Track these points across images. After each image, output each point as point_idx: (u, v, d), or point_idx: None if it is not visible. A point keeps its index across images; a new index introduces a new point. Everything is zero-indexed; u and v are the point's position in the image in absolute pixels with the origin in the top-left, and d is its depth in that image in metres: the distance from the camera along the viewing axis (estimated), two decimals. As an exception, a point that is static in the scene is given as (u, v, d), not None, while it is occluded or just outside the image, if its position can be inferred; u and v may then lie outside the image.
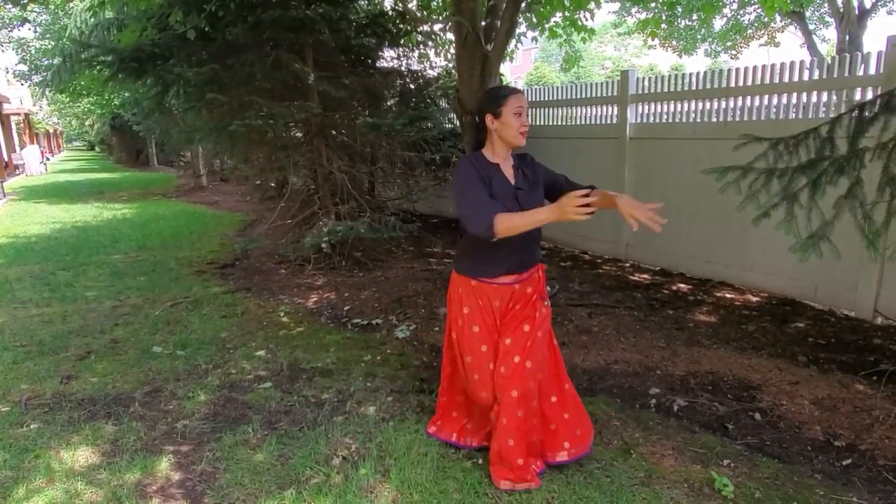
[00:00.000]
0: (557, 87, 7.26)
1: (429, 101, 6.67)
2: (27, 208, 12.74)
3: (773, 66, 4.98)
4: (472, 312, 2.53)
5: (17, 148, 27.78)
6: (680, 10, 11.59)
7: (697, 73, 5.63)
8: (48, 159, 30.88)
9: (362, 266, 6.32)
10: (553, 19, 7.41)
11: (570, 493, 2.44)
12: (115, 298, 5.51)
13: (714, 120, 5.45)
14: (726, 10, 19.67)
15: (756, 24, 20.64)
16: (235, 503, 2.44)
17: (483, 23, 4.87)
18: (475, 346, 2.53)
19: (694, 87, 5.62)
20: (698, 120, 5.62)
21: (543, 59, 56.58)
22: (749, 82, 5.15)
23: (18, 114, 30.32)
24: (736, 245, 5.26)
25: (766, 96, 5.05)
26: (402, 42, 6.55)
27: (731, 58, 22.79)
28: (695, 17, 18.53)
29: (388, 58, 7.50)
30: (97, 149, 40.64)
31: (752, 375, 3.52)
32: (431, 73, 7.26)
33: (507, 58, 8.50)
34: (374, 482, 2.54)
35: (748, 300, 4.96)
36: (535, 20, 7.09)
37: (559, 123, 7.21)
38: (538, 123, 7.51)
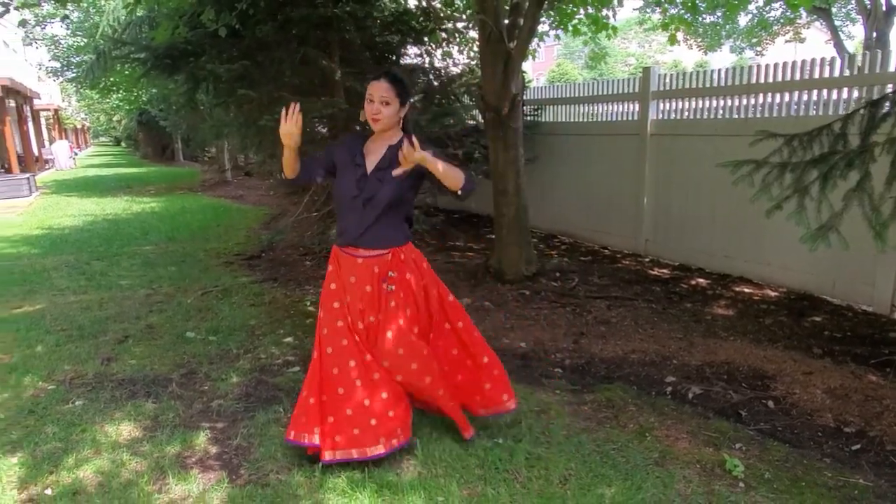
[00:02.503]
0: (578, 84, 7.33)
1: (452, 97, 6.78)
2: (59, 201, 13.11)
3: (794, 62, 5.01)
4: (329, 275, 2.73)
5: (47, 143, 28.44)
6: (703, 5, 11.53)
7: (719, 70, 5.68)
8: (77, 154, 31.54)
9: (385, 258, 6.46)
10: (577, 16, 7.49)
11: (586, 470, 2.56)
12: (148, 287, 5.72)
13: (735, 116, 5.50)
14: (752, 7, 19.50)
15: (782, 21, 20.42)
16: (269, 474, 2.60)
17: (506, 21, 4.99)
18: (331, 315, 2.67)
19: (716, 84, 5.67)
20: (719, 116, 5.67)
21: (566, 56, 56.35)
22: (771, 79, 5.18)
23: (48, 109, 31.00)
24: (754, 241, 5.31)
25: (790, 93, 5.08)
26: (425, 39, 6.66)
27: (757, 54, 22.60)
28: (719, 13, 18.42)
29: (413, 55, 7.63)
30: (123, 144, 41.36)
31: (766, 366, 3.60)
32: (455, 69, 7.38)
33: (530, 55, 8.61)
34: (400, 457, 2.68)
35: (766, 295, 5.01)
36: (558, 18, 7.19)
37: (579, 120, 7.28)
38: (558, 120, 7.60)
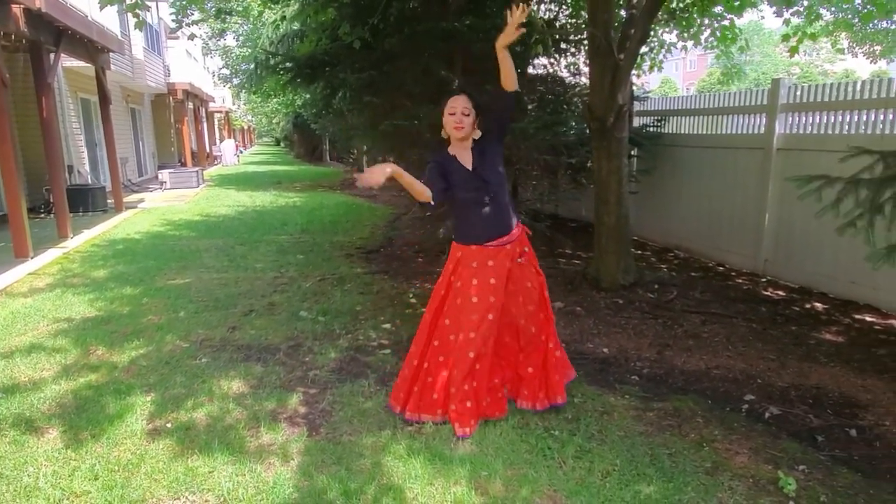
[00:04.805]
0: (702, 96, 7.13)
1: (565, 106, 6.89)
2: (219, 193, 14.75)
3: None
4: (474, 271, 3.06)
5: (217, 141, 31.80)
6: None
7: (856, 82, 5.32)
8: (241, 152, 34.96)
9: (492, 260, 6.71)
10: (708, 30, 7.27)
11: (630, 468, 2.64)
12: (276, 271, 6.42)
13: (869, 132, 5.12)
14: (936, 11, 17.35)
15: (974, 26, 18.00)
16: (343, 435, 2.95)
17: (619, 34, 5.06)
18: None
19: (851, 97, 5.32)
20: (853, 132, 5.31)
21: (719, 66, 53.24)
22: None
23: (220, 111, 34.71)
24: (886, 266, 4.90)
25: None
26: (544, 52, 6.82)
27: (942, 64, 20.11)
28: (896, 18, 16.60)
29: (539, 65, 7.81)
30: (282, 144, 45.06)
31: (861, 395, 3.40)
32: (573, 79, 7.47)
33: (657, 67, 8.48)
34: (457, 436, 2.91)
35: (890, 326, 4.64)
36: (687, 31, 7.04)
37: (702, 132, 7.07)
38: (681, 131, 7.41)
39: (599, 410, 3.21)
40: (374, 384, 3.55)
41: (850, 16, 14.78)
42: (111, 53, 11.57)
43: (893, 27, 17.80)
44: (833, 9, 11.52)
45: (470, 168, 2.98)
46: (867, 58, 19.65)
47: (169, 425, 3.05)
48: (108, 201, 11.62)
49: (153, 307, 5.12)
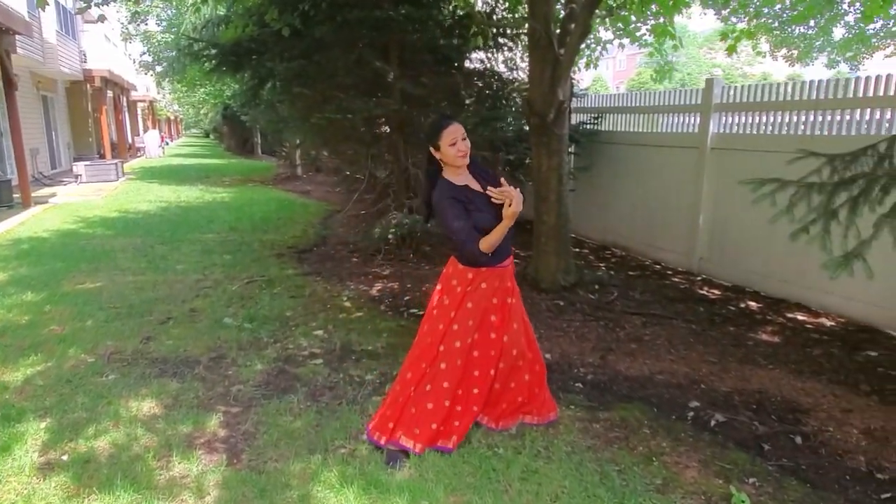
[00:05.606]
0: (639, 94, 7.13)
1: (503, 102, 6.74)
2: (141, 187, 13.91)
3: (867, 79, 4.69)
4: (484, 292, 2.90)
5: (141, 132, 30.21)
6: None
7: (786, 84, 5.39)
8: (167, 144, 33.33)
9: (430, 260, 6.50)
10: (642, 26, 7.29)
11: (580, 489, 2.48)
12: (200, 273, 5.98)
13: (798, 133, 5.19)
14: (849, 19, 18.32)
15: (882, 35, 19.10)
16: (268, 461, 2.67)
17: (558, 29, 4.92)
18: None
19: (782, 98, 5.38)
20: (783, 132, 5.38)
21: (648, 65, 54.86)
22: (841, 95, 4.87)
23: (144, 101, 33.00)
24: (816, 266, 4.98)
25: (861, 110, 4.75)
26: (483, 44, 6.65)
27: (852, 69, 21.23)
28: (812, 23, 17.40)
29: (476, 59, 7.63)
30: (211, 136, 43.27)
31: (802, 399, 3.38)
32: (511, 74, 7.33)
33: (593, 65, 8.45)
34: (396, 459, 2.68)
35: (821, 324, 4.71)
36: (621, 27, 7.02)
37: (638, 130, 7.07)
38: (617, 129, 7.40)
39: (545, 424, 3.05)
40: (305, 399, 3.27)
41: (770, 20, 15.39)
42: (17, 36, 10.67)
43: (811, 32, 18.66)
44: (755, 12, 11.88)
45: (483, 190, 2.79)
46: (785, 61, 20.50)
47: (65, 458, 2.68)
48: (15, 196, 10.72)
49: (57, 315, 4.63)
